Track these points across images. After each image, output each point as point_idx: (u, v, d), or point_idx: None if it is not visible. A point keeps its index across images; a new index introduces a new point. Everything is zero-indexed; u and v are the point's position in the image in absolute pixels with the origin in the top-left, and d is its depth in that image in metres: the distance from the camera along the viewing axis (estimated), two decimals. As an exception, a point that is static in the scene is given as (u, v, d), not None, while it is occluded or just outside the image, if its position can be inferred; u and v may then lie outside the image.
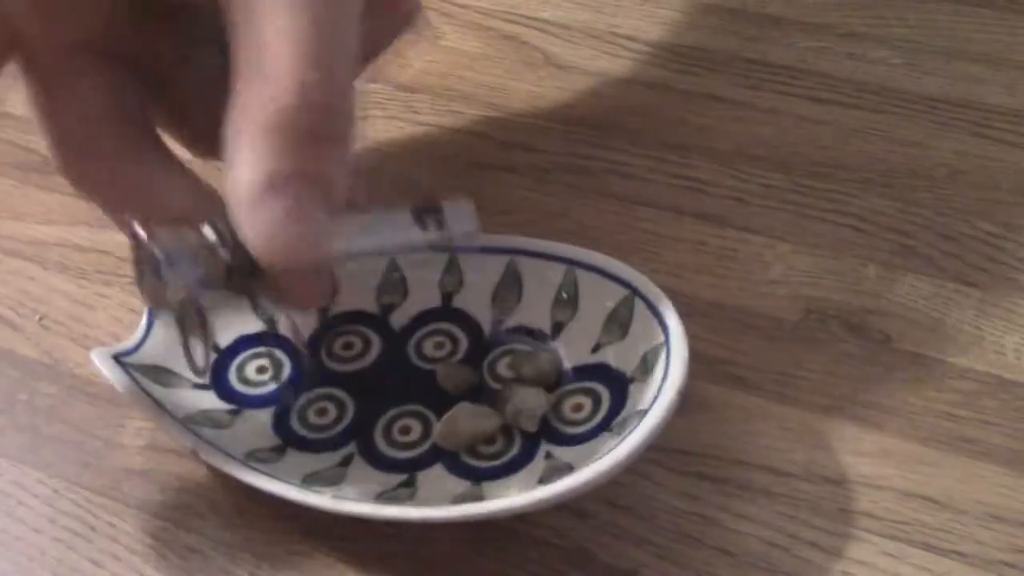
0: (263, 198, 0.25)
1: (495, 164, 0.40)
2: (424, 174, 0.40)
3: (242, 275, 0.29)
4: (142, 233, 0.28)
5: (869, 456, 0.31)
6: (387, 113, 0.43)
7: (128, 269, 0.37)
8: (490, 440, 0.32)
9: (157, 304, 0.30)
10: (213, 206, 0.28)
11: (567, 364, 0.33)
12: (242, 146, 0.26)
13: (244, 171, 0.26)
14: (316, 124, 0.26)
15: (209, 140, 0.28)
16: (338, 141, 0.27)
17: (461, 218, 0.31)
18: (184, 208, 0.30)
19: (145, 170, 0.30)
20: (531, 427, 0.32)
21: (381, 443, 0.32)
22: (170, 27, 0.31)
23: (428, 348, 0.34)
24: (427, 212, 0.30)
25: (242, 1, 0.27)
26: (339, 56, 0.27)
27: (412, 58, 0.45)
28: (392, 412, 0.33)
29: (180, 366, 0.33)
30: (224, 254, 0.28)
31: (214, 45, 0.29)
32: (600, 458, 0.29)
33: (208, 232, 0.28)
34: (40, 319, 0.37)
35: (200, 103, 0.32)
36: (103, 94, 0.30)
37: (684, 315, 0.31)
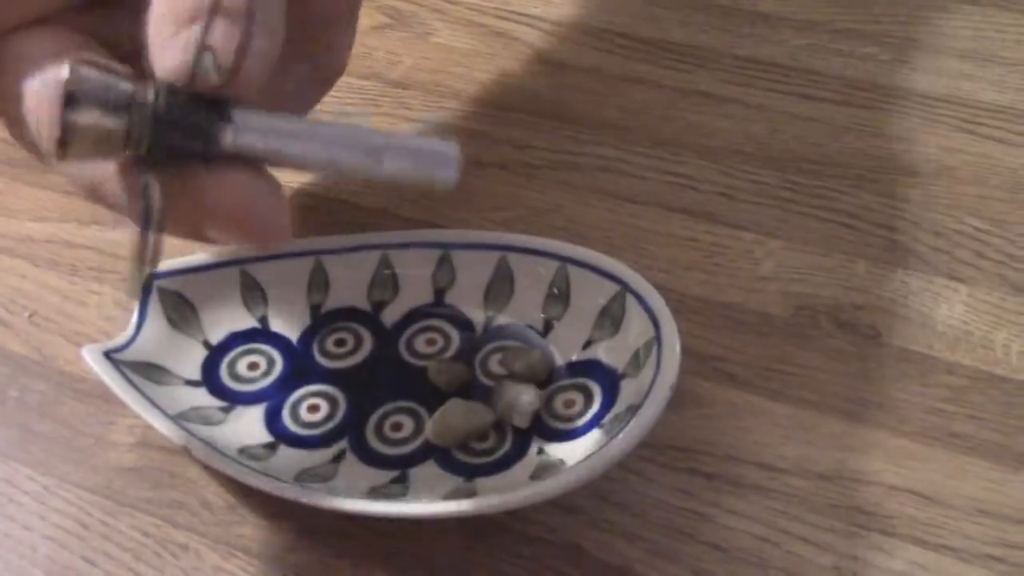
0: (185, 23, 0.25)
1: (486, 161, 0.41)
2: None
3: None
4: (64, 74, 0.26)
5: (859, 451, 0.31)
6: (379, 110, 0.43)
7: (120, 266, 0.38)
8: (482, 436, 0.32)
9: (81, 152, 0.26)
10: None
11: (559, 360, 0.33)
12: None
13: (162, 5, 0.25)
14: None
15: None
16: None
17: (440, 157, 0.28)
18: None
19: None
20: (523, 423, 0.32)
21: (373, 440, 0.32)
22: (127, 14, 0.30)
23: (420, 344, 0.34)
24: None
25: None
26: None
27: (403, 55, 0.45)
28: (384, 409, 0.33)
29: (172, 363, 0.33)
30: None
31: None
32: (592, 454, 0.29)
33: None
34: (30, 316, 0.37)
35: None
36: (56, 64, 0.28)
37: (674, 311, 0.31)
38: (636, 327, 0.32)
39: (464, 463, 0.31)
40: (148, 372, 0.32)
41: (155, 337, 0.33)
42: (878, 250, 0.37)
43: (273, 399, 0.33)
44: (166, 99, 0.26)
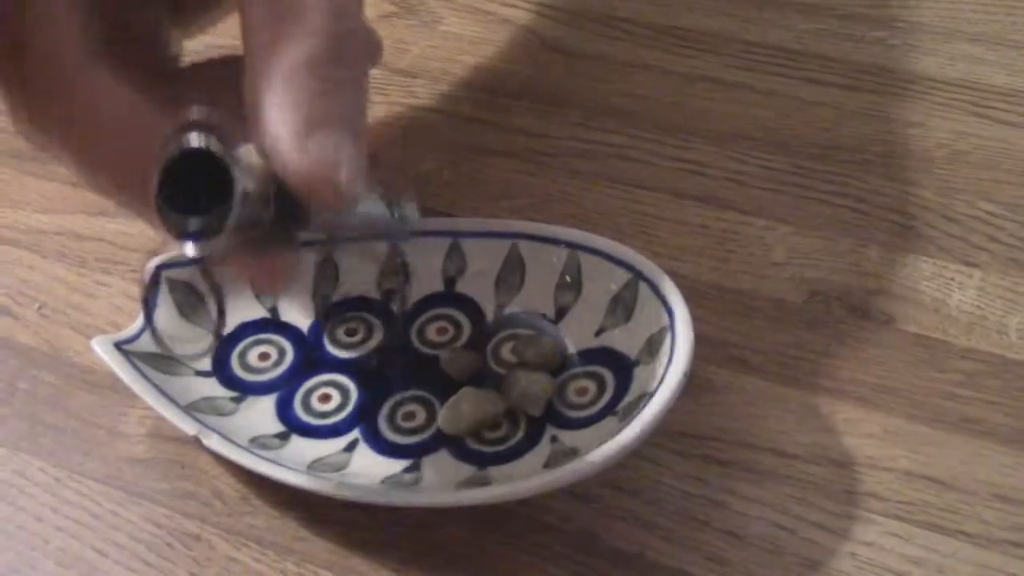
0: (307, 132, 0.26)
1: (495, 149, 0.40)
2: (428, 160, 0.40)
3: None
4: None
5: (874, 437, 0.31)
6: (387, 99, 0.43)
7: (127, 258, 0.37)
8: (495, 425, 0.32)
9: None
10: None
11: (571, 348, 0.33)
12: (276, 88, 0.27)
13: (283, 111, 0.26)
14: (346, 72, 0.28)
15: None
16: (362, 89, 0.28)
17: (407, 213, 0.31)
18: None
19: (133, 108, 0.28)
20: (536, 411, 0.31)
21: (385, 429, 0.32)
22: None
23: (431, 333, 0.34)
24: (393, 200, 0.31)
25: None
26: (360, 10, 0.28)
27: (411, 43, 0.45)
28: (396, 398, 0.32)
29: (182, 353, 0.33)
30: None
31: None
32: (606, 442, 0.29)
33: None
34: (39, 308, 0.36)
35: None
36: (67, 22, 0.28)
37: (686, 298, 0.31)
38: (649, 314, 0.32)
39: (477, 452, 0.31)
40: (158, 362, 0.32)
41: (165, 327, 0.33)
42: (890, 235, 0.36)
43: (284, 389, 0.33)
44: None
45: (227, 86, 0.29)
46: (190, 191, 0.24)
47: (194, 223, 0.25)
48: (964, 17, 0.44)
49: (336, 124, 0.27)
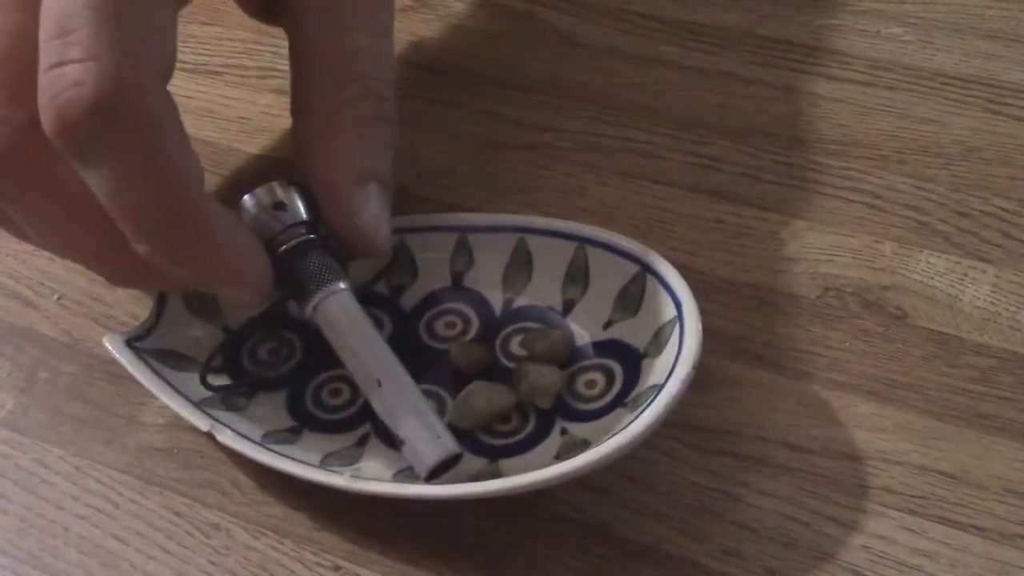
0: (361, 190, 0.31)
1: (510, 143, 0.40)
2: (442, 155, 0.40)
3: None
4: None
5: (886, 432, 0.31)
6: (400, 93, 0.42)
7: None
8: (505, 418, 0.32)
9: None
10: None
11: (580, 341, 0.33)
12: (338, 141, 0.32)
13: (342, 165, 0.32)
14: (391, 135, 0.33)
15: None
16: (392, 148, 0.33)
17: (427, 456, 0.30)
18: None
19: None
20: (545, 404, 0.32)
21: None
22: None
23: (439, 328, 0.34)
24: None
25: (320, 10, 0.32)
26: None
27: (426, 37, 0.45)
28: None
29: (192, 349, 0.33)
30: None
31: None
32: (617, 432, 0.29)
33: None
34: (59, 298, 0.37)
35: None
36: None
37: (701, 292, 0.31)
38: (657, 306, 0.32)
39: (487, 445, 0.31)
40: (170, 358, 0.33)
41: (175, 324, 0.33)
42: (904, 231, 0.37)
43: (295, 384, 0.33)
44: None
45: None
46: None
47: None
48: (979, 13, 0.44)
49: (382, 180, 0.32)
